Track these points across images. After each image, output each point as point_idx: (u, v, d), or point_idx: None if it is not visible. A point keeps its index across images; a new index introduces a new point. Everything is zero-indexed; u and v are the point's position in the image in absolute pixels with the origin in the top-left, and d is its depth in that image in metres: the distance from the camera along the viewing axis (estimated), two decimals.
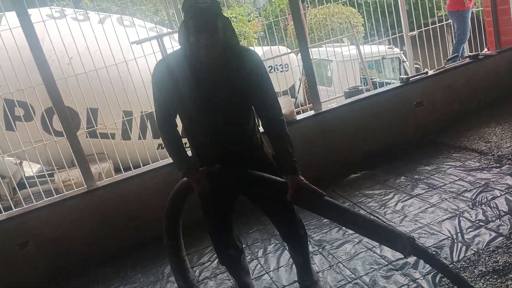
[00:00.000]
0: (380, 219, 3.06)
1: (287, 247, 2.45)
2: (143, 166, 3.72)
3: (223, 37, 1.84)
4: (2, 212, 3.32)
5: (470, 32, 5.61)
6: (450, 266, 2.35)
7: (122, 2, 7.32)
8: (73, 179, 4.23)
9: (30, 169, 5.56)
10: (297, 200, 1.96)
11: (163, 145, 5.42)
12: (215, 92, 1.91)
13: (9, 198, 3.87)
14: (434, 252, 2.52)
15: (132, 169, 3.95)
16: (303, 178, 1.96)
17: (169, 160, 3.59)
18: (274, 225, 2.35)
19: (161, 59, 2.01)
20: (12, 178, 4.68)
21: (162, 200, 3.38)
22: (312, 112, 3.99)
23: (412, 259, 2.53)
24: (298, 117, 3.97)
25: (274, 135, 2.00)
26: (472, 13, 5.65)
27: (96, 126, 4.53)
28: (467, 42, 5.73)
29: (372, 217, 2.19)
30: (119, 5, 7.08)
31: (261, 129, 2.11)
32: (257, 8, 13.79)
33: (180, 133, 2.10)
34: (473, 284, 2.20)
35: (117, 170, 4.45)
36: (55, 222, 3.29)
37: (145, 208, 3.41)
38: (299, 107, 6.10)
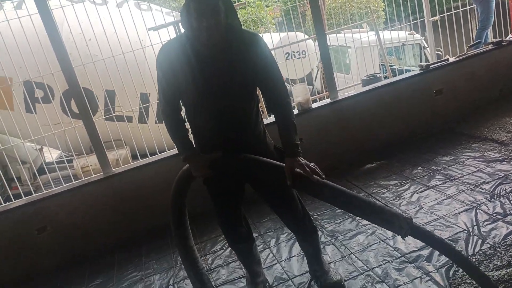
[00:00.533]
0: (394, 209, 3.02)
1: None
2: (159, 153, 3.76)
3: (225, 20, 1.83)
4: (22, 197, 3.41)
5: (494, 17, 5.40)
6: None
7: None
8: (91, 165, 4.30)
9: (50, 155, 5.68)
10: (292, 184, 1.92)
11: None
12: (218, 75, 1.90)
13: (29, 183, 3.97)
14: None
15: (149, 156, 4.01)
16: (302, 161, 1.89)
17: None
18: (278, 215, 2.35)
19: (165, 43, 2.01)
20: (32, 164, 4.80)
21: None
22: (328, 100, 3.94)
23: (426, 251, 2.51)
24: (314, 105, 3.92)
25: (280, 117, 1.99)
26: None
27: (114, 109, 4.59)
28: (491, 28, 5.53)
29: (370, 198, 2.11)
30: None
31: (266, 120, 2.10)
32: None
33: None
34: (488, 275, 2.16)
35: (135, 157, 4.52)
36: (72, 208, 3.36)
37: (159, 195, 3.43)
38: (315, 94, 6.04)
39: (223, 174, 2.06)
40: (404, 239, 2.00)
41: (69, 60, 3.28)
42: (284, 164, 1.91)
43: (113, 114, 4.24)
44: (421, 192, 3.19)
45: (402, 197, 3.18)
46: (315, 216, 3.16)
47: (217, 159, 1.99)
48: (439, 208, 2.92)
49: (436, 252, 2.48)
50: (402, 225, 1.81)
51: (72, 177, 3.95)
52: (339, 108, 3.89)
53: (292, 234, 3.02)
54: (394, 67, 6.46)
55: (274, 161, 1.97)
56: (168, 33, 4.51)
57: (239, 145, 2.00)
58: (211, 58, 1.88)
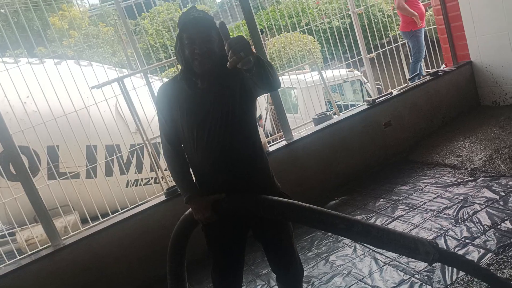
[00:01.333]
0: (366, 246, 2.98)
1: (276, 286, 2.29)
2: (111, 214, 3.52)
3: (219, 49, 1.79)
4: None
5: (425, 50, 5.80)
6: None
7: (78, 47, 7.18)
8: (36, 237, 3.95)
9: None
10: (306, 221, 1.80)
11: (131, 183, 5.37)
12: (218, 104, 1.83)
13: None
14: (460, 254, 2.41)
15: (101, 218, 3.73)
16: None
17: (140, 207, 3.41)
18: (272, 258, 2.10)
19: (162, 84, 2.00)
20: None
21: (136, 251, 3.23)
22: (284, 142, 3.93)
23: (405, 287, 2.45)
24: (270, 148, 3.89)
25: None
26: (425, 31, 5.87)
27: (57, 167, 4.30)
28: (423, 60, 5.93)
29: (385, 226, 1.94)
30: (74, 49, 6.93)
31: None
32: None
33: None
34: None
35: (84, 221, 4.20)
36: None
37: (118, 263, 3.19)
38: (268, 136, 6.05)
39: (226, 218, 1.90)
40: (431, 265, 1.85)
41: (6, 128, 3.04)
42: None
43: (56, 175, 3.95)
44: (388, 224, 3.18)
45: None
46: None
47: (221, 200, 1.85)
48: None
49: (416, 286, 2.44)
50: (428, 250, 1.66)
51: (16, 252, 3.59)
52: (295, 148, 3.89)
53: (266, 285, 2.88)
54: (339, 103, 6.68)
55: (288, 200, 1.82)
56: (112, 89, 4.39)
57: (245, 171, 1.89)
58: (208, 88, 1.84)
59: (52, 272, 3.03)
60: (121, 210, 3.71)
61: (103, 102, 4.23)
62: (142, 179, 5.33)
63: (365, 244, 2.96)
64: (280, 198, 1.82)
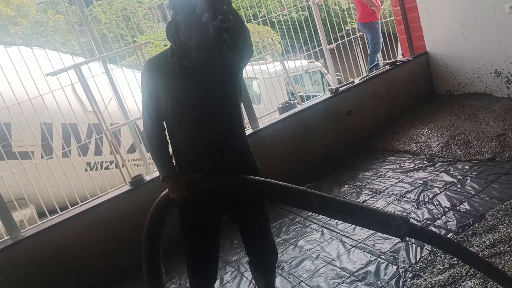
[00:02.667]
0: (333, 230, 3.05)
1: (249, 270, 2.30)
2: (70, 207, 3.38)
3: (213, 34, 1.71)
4: None
5: (382, 41, 5.97)
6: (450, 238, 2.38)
7: (26, 34, 6.79)
8: None
9: None
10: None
11: (91, 166, 5.16)
12: (203, 83, 1.81)
13: None
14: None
15: (59, 211, 3.57)
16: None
17: (104, 197, 3.30)
18: (247, 240, 2.11)
19: (149, 59, 1.94)
20: None
21: (99, 242, 3.13)
22: (250, 131, 3.92)
23: (372, 267, 2.53)
24: None
25: None
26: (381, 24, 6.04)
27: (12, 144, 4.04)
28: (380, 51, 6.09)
29: (358, 203, 1.99)
30: (22, 37, 6.55)
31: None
32: None
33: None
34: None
35: (42, 215, 3.99)
36: None
37: (81, 255, 3.07)
38: None
39: (202, 199, 1.88)
40: (403, 241, 2.03)
41: None
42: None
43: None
44: None
45: None
46: None
47: (196, 180, 1.85)
48: None
49: (382, 266, 2.52)
50: (400, 225, 1.69)
51: None
52: (261, 136, 3.90)
53: (236, 271, 2.88)
54: (300, 94, 6.75)
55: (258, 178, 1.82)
56: (68, 76, 4.19)
57: (226, 154, 1.89)
58: (197, 71, 1.81)
59: (11, 265, 2.88)
60: (81, 202, 3.56)
61: (59, 90, 4.03)
62: (101, 163, 5.15)
63: (334, 228, 3.03)
64: (256, 177, 1.81)
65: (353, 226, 3.03)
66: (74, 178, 4.08)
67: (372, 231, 2.88)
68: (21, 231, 3.03)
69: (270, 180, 1.80)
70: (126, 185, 3.44)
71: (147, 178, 3.41)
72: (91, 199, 3.48)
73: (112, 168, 5.15)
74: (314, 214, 3.36)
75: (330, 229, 3.07)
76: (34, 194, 3.94)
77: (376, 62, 5.05)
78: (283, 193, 1.77)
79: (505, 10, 3.87)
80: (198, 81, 1.82)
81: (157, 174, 3.36)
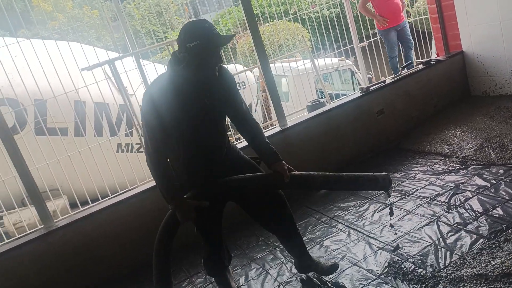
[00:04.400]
0: (359, 231, 3.01)
1: (278, 241, 2.68)
2: (101, 199, 3.48)
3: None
4: None
5: (415, 41, 5.75)
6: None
7: (62, 29, 6.99)
8: (24, 221, 3.88)
9: None
10: (289, 183, 2.21)
11: (122, 147, 5.28)
12: (209, 108, 2.08)
13: None
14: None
15: (90, 203, 3.66)
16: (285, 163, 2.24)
17: (135, 190, 3.38)
18: (263, 217, 2.46)
19: (156, 79, 2.10)
20: None
21: (129, 232, 3.21)
22: (278, 128, 3.92)
23: (399, 270, 2.49)
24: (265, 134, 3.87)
25: (255, 133, 2.29)
26: (410, 23, 5.81)
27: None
28: (413, 50, 5.92)
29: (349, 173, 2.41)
30: (59, 32, 6.74)
31: None
32: None
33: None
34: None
35: (74, 206, 4.13)
36: (10, 272, 2.94)
37: (111, 244, 3.16)
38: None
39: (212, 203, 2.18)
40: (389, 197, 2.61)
41: None
42: (262, 172, 2.31)
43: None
44: (381, 210, 3.22)
45: (364, 217, 3.18)
46: (281, 248, 3.04)
47: (201, 204, 2.12)
48: (402, 225, 2.95)
49: (410, 269, 2.48)
50: (385, 178, 2.33)
51: (3, 236, 3.52)
52: (289, 135, 3.88)
53: (261, 268, 2.90)
54: (329, 92, 6.69)
55: (256, 174, 2.27)
56: (104, 71, 4.30)
57: (220, 160, 2.23)
58: (205, 90, 2.07)
59: (44, 253, 3.00)
60: (111, 195, 3.65)
61: (94, 84, 4.14)
62: (133, 145, 5.29)
63: (361, 229, 3.00)
64: (249, 175, 2.22)
65: (380, 227, 2.99)
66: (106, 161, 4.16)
67: (401, 233, 2.84)
68: (54, 221, 3.13)
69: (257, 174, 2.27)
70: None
71: None
72: (121, 191, 3.57)
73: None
74: (339, 214, 3.34)
75: (356, 230, 3.04)
76: (67, 185, 4.08)
77: (409, 61, 4.92)
78: (287, 182, 2.21)
79: None
80: (203, 99, 2.06)
81: None
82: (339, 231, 3.11)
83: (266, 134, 3.89)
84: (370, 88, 4.29)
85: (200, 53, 1.93)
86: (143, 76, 4.23)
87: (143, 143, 2.17)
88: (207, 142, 2.15)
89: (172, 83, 1.99)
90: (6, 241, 3.32)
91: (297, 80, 6.02)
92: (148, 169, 2.09)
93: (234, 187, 2.18)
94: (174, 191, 2.08)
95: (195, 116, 2.04)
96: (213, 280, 2.73)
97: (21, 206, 4.14)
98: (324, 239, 3.06)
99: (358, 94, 4.37)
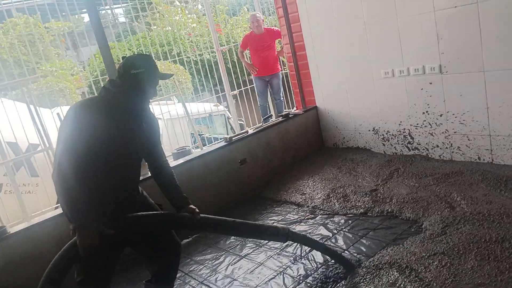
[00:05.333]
0: (211, 287, 3.02)
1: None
2: None
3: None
4: None
5: (280, 95, 6.18)
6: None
7: None
8: None
9: None
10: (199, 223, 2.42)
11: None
12: (134, 139, 2.18)
13: None
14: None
15: None
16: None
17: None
18: (157, 259, 2.47)
19: (82, 102, 2.13)
20: None
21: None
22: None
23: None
24: None
25: (168, 176, 2.45)
26: (286, 73, 6.32)
27: None
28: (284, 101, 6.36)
29: (252, 222, 2.83)
30: None
31: None
32: (81, 61, 13.10)
33: None
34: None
35: None
36: None
37: None
38: None
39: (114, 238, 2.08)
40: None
41: None
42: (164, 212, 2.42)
43: None
44: (235, 263, 3.28)
45: (218, 271, 3.20)
46: None
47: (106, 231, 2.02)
48: (252, 278, 3.02)
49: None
50: (286, 233, 2.59)
51: None
52: (150, 184, 3.79)
53: None
54: (204, 135, 6.79)
55: (169, 212, 2.41)
56: None
57: (132, 197, 2.29)
58: (131, 124, 2.17)
59: None
60: None
61: None
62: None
63: (212, 285, 3.00)
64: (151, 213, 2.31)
65: (231, 281, 3.03)
66: None
67: (249, 287, 2.92)
68: None
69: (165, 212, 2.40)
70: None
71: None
72: None
73: None
74: (195, 269, 3.32)
75: (208, 286, 3.03)
76: None
77: (269, 114, 5.27)
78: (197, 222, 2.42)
79: (381, 75, 4.30)
80: (131, 135, 2.16)
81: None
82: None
83: None
84: (233, 138, 4.45)
85: (142, 80, 2.11)
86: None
87: (54, 156, 2.05)
88: (124, 171, 2.19)
89: (105, 102, 2.11)
90: None
91: (169, 124, 5.99)
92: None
93: (145, 223, 2.23)
94: (80, 209, 1.94)
95: (119, 141, 2.11)
96: None
97: None
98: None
99: (222, 143, 4.50)
